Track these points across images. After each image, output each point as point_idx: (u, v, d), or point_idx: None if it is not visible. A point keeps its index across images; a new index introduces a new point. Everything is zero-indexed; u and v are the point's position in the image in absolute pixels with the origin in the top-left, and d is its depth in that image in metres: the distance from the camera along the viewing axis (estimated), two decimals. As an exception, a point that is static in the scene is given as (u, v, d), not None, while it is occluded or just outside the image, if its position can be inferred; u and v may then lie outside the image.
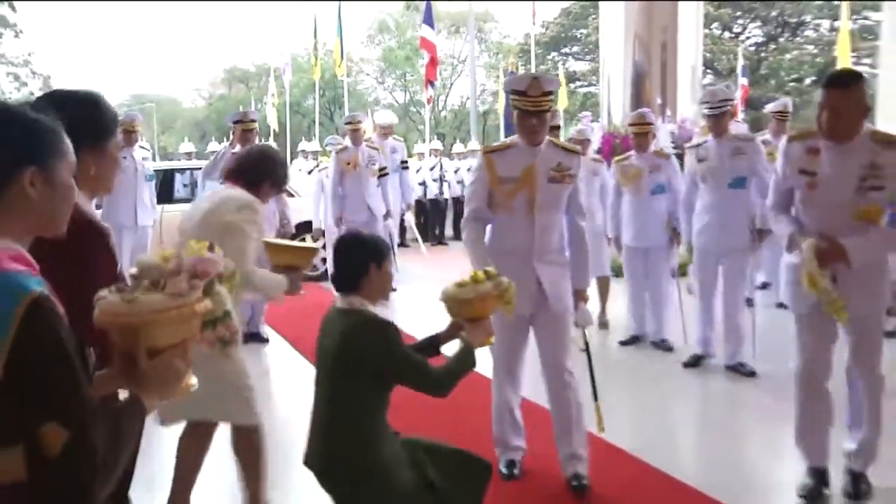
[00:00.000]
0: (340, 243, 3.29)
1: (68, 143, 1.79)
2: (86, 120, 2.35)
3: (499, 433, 4.57)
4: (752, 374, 6.49)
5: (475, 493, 3.31)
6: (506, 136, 12.71)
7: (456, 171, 16.62)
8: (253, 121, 8.17)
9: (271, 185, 4.04)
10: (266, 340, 8.14)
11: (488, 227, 4.44)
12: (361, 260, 3.15)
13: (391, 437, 3.18)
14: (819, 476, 4.21)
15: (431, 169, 16.43)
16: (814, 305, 3.94)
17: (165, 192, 11.29)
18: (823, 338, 4.08)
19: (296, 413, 6.17)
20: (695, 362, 6.78)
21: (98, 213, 2.51)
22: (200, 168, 13.34)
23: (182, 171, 12.64)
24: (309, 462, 3.19)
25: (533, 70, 23.19)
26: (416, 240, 13.88)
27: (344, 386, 3.11)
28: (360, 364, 3.06)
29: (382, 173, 9.88)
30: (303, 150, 17.48)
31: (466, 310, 3.26)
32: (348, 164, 9.60)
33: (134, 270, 1.84)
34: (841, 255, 3.76)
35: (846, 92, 3.81)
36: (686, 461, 4.95)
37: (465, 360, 3.19)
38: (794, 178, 4.07)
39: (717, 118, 6.44)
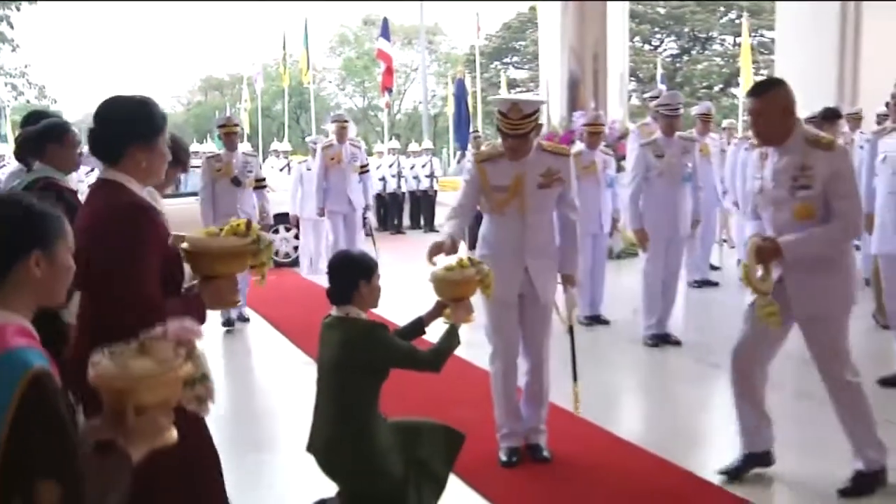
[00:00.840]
0: (333, 263, 3.33)
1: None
2: (139, 120, 2.45)
3: (500, 419, 4.31)
4: (677, 342, 6.57)
5: (450, 461, 3.44)
6: (455, 138, 12.65)
7: (412, 168, 16.56)
8: (235, 125, 8.20)
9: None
10: (247, 320, 8.09)
11: (484, 220, 4.30)
12: (351, 278, 3.17)
13: (384, 425, 3.22)
14: (750, 459, 3.98)
15: (390, 166, 16.36)
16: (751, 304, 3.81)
17: (152, 189, 11.15)
18: (759, 333, 3.80)
19: (275, 387, 6.13)
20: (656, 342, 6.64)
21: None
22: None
23: (166, 169, 12.49)
24: (312, 449, 3.22)
25: (478, 77, 23.19)
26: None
27: (345, 384, 3.16)
28: (363, 367, 3.15)
29: (364, 170, 9.89)
30: (274, 150, 17.58)
31: (453, 291, 3.36)
32: (332, 159, 9.55)
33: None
34: (776, 251, 3.59)
35: (758, 99, 3.72)
36: (630, 423, 4.98)
37: (452, 339, 3.32)
38: (753, 183, 3.95)
39: (673, 119, 6.52)
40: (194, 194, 11.97)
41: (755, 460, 3.96)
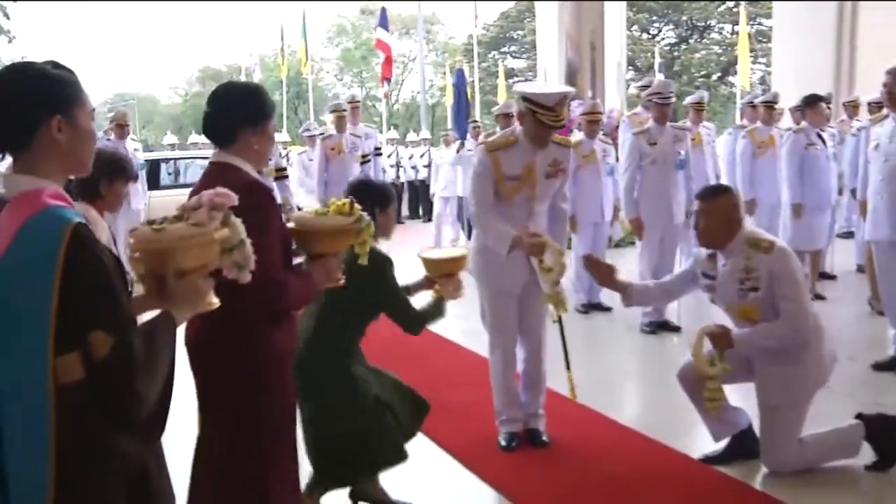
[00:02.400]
0: (351, 188, 3.46)
1: (86, 92, 1.85)
2: (250, 105, 2.59)
3: (499, 407, 4.34)
4: (676, 329, 6.65)
5: (416, 422, 3.60)
6: (454, 127, 12.68)
7: (410, 158, 16.61)
8: None
9: (123, 182, 3.60)
10: None
11: None
12: (366, 205, 2.96)
13: (364, 360, 3.45)
14: (735, 441, 4.07)
15: (389, 156, 16.40)
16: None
17: (152, 180, 11.20)
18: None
19: None
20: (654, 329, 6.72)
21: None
22: (183, 158, 13.40)
23: (167, 160, 12.55)
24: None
25: (476, 67, 23.17)
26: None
27: (336, 307, 3.28)
28: (358, 293, 3.21)
29: (365, 159, 9.72)
30: (273, 141, 17.43)
31: (440, 268, 3.56)
32: (333, 149, 9.38)
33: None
34: (728, 342, 3.74)
35: (704, 203, 3.87)
36: (628, 408, 5.06)
37: (439, 308, 3.52)
38: (699, 279, 4.04)
39: (665, 107, 6.57)
40: (174, 187, 12.11)
41: (739, 440, 4.05)
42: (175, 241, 1.86)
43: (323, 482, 3.41)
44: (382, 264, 3.34)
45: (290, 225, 2.63)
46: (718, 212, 3.84)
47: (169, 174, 12.46)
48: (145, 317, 1.86)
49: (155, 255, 1.88)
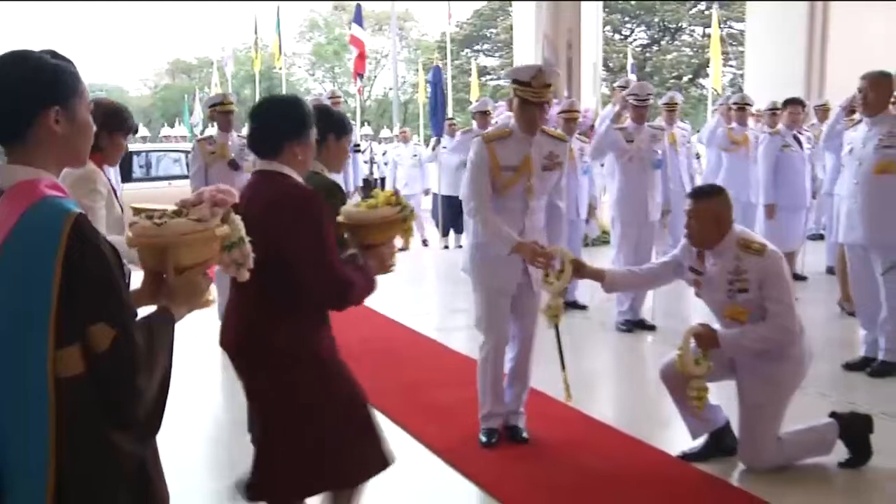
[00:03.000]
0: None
1: (85, 84, 1.82)
2: (293, 118, 2.74)
3: (485, 403, 4.33)
4: (651, 328, 6.73)
5: None
6: (431, 125, 12.69)
7: (384, 154, 16.58)
8: (231, 103, 7.40)
9: (123, 135, 3.57)
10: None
11: None
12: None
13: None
14: (712, 438, 4.12)
15: (363, 152, 16.35)
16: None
17: (125, 172, 11.08)
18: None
19: None
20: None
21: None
22: (155, 150, 13.30)
23: (138, 153, 12.43)
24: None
25: (449, 64, 23.18)
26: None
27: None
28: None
29: None
30: (241, 136, 17.31)
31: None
32: None
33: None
34: (714, 341, 3.77)
35: (695, 203, 3.88)
36: (604, 405, 5.10)
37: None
38: (686, 273, 4.07)
39: (643, 108, 6.63)
40: (166, 178, 12.04)
41: (716, 438, 4.10)
42: (176, 237, 1.83)
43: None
44: (334, 191, 3.19)
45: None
46: (710, 212, 3.85)
47: (141, 167, 12.35)
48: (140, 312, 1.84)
49: (155, 249, 1.86)
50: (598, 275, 4.15)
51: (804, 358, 3.91)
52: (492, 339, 4.27)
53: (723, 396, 4.16)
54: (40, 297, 1.59)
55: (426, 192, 12.27)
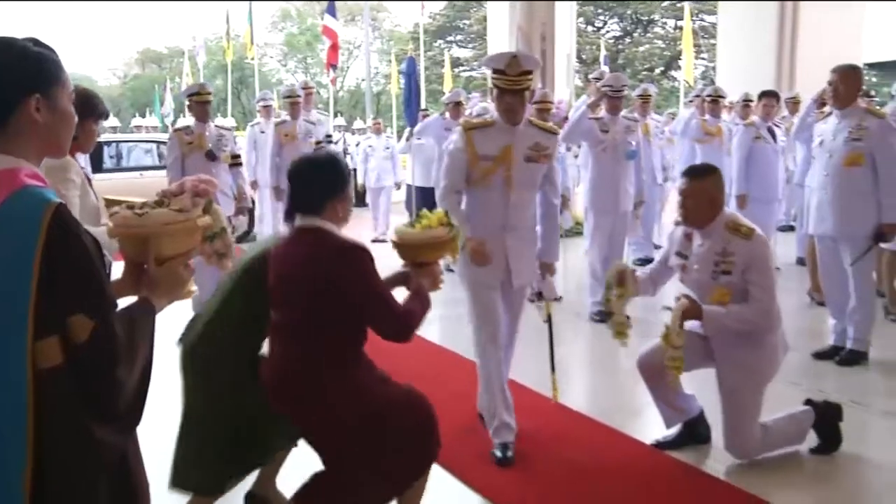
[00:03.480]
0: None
1: (66, 73, 1.79)
2: (332, 178, 2.92)
3: (491, 410, 4.03)
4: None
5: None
6: (405, 116, 12.65)
7: (357, 145, 16.53)
8: (209, 93, 7.29)
9: (94, 121, 3.59)
10: None
11: (465, 197, 4.06)
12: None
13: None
14: (682, 431, 4.17)
15: (336, 143, 16.30)
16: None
17: (95, 163, 10.93)
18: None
19: None
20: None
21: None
22: (126, 141, 13.13)
23: (108, 143, 12.26)
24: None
25: (422, 55, 23.15)
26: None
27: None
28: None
29: (319, 146, 9.55)
30: (224, 127, 17.14)
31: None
32: (286, 135, 9.27)
33: None
34: (697, 314, 3.74)
35: (691, 183, 3.87)
36: (576, 394, 5.14)
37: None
38: (673, 258, 4.05)
39: (618, 100, 6.67)
40: (137, 169, 11.89)
41: (690, 427, 4.14)
42: (158, 227, 1.83)
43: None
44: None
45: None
46: (706, 191, 3.85)
47: (111, 157, 12.17)
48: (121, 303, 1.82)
49: (136, 239, 1.85)
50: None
51: (779, 347, 3.95)
52: (486, 331, 4.02)
53: (695, 386, 4.20)
54: (20, 287, 1.57)
55: (397, 186, 12.19)
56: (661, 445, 4.15)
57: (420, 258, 3.02)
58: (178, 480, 3.08)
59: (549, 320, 4.29)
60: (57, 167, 3.18)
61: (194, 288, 1.95)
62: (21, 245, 1.57)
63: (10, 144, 1.70)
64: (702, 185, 3.86)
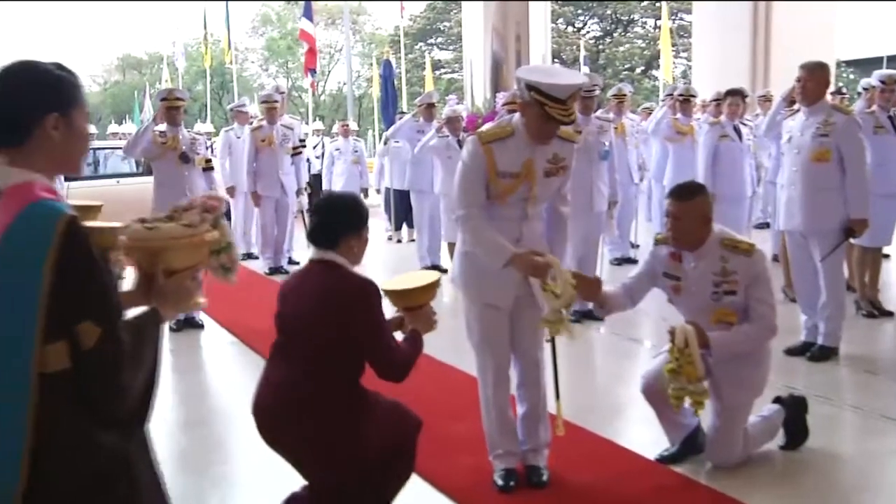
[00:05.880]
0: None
1: (84, 95, 1.94)
2: (351, 216, 3.07)
3: (491, 436, 3.77)
4: (600, 318, 6.75)
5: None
6: (382, 119, 12.62)
7: (319, 146, 16.48)
8: (178, 98, 7.19)
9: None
10: (201, 326, 7.11)
11: None
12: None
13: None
14: (683, 444, 4.01)
15: (314, 147, 16.25)
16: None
17: (70, 170, 10.87)
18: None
19: (237, 398, 5.72)
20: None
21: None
22: (102, 148, 13.04)
23: (85, 150, 12.17)
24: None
25: (402, 58, 23.11)
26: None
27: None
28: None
29: (296, 151, 9.60)
30: (197, 132, 17.09)
31: (404, 300, 3.17)
32: (263, 141, 9.21)
33: None
34: (705, 343, 3.56)
35: (680, 204, 3.70)
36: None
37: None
38: (659, 279, 3.89)
39: (590, 99, 6.66)
40: (114, 176, 11.82)
41: (691, 440, 4.01)
42: (167, 241, 1.94)
43: None
44: (367, 291, 3.02)
45: (384, 288, 3.05)
46: (696, 212, 3.70)
47: (88, 165, 12.11)
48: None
49: (146, 252, 1.96)
50: (603, 300, 3.87)
51: (769, 363, 3.93)
52: (491, 362, 3.70)
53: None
54: (31, 292, 1.68)
55: (364, 192, 11.88)
56: (663, 460, 4.00)
57: (412, 303, 3.15)
58: None
59: (552, 339, 3.77)
60: None
61: (202, 300, 2.05)
62: (34, 254, 1.69)
63: (27, 159, 1.83)
64: (693, 204, 3.70)
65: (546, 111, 3.35)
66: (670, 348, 3.56)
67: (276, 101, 9.50)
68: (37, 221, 1.71)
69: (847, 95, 11.35)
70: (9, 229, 1.71)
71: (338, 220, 3.04)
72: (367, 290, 2.92)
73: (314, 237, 3.05)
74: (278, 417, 2.93)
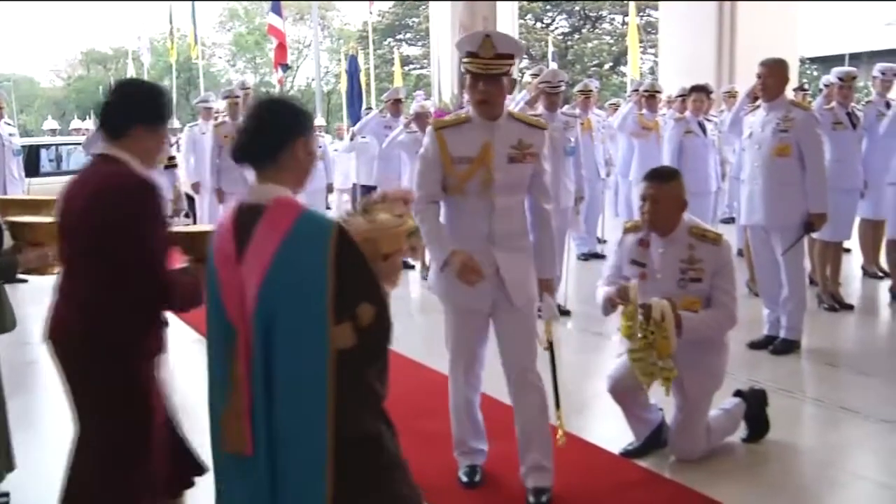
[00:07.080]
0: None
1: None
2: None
3: (458, 436, 3.74)
4: (566, 313, 6.79)
5: None
6: (348, 115, 12.57)
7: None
8: None
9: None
10: (165, 324, 7.05)
11: (442, 208, 3.52)
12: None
13: None
14: (648, 439, 4.05)
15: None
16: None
17: (32, 167, 10.72)
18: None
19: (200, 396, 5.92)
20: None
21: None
22: (65, 144, 12.87)
23: (47, 146, 12.05)
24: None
25: (371, 54, 23.04)
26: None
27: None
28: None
29: None
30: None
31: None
32: (226, 137, 9.02)
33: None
34: (678, 320, 3.56)
35: (658, 187, 3.74)
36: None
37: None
38: (626, 267, 3.92)
39: (555, 95, 6.66)
40: (77, 172, 11.65)
41: (656, 434, 4.05)
42: (389, 230, 2.32)
43: None
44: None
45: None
46: (672, 196, 3.75)
47: (50, 160, 11.97)
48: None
49: (368, 242, 2.24)
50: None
51: (729, 348, 3.99)
52: (461, 362, 3.65)
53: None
54: (320, 286, 2.07)
55: (329, 189, 11.79)
56: (627, 454, 4.03)
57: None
58: None
59: (550, 347, 3.63)
60: None
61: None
62: (318, 257, 2.08)
63: (277, 176, 2.23)
64: (671, 187, 3.76)
65: (466, 69, 3.35)
66: (641, 323, 3.57)
67: (238, 97, 9.33)
68: (314, 229, 2.11)
69: (809, 92, 11.49)
70: (291, 235, 2.09)
71: (130, 105, 2.60)
72: (141, 191, 2.46)
73: (102, 123, 2.61)
74: (62, 343, 2.62)
